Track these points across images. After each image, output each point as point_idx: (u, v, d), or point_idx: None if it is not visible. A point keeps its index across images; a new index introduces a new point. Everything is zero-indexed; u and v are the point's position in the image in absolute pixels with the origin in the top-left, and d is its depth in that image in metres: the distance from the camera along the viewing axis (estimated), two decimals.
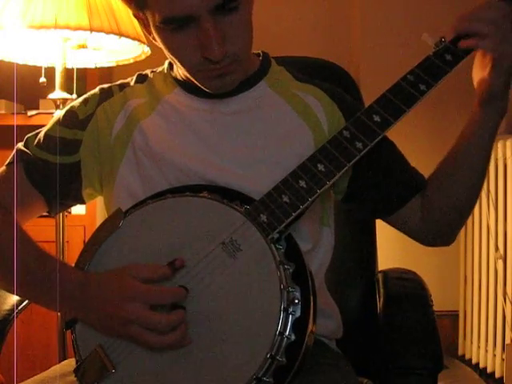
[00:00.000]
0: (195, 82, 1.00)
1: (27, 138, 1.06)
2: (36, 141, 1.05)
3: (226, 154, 1.00)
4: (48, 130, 1.06)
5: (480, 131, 0.97)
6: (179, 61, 0.97)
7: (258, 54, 1.10)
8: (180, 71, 1.05)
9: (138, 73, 1.11)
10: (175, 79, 1.06)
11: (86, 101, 1.07)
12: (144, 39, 1.76)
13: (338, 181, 1.02)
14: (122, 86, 1.08)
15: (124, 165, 1.02)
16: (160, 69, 1.11)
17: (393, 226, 1.09)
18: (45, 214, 1.08)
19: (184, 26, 0.91)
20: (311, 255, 1.01)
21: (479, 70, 0.95)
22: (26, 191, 1.02)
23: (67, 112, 1.07)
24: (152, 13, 0.92)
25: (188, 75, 1.00)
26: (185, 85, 1.04)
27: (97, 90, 1.08)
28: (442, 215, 1.04)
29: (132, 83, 1.09)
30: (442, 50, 0.95)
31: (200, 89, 1.01)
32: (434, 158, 1.07)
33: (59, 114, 1.08)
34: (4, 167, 1.05)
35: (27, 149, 1.04)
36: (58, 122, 1.06)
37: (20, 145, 1.06)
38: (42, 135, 1.05)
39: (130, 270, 0.85)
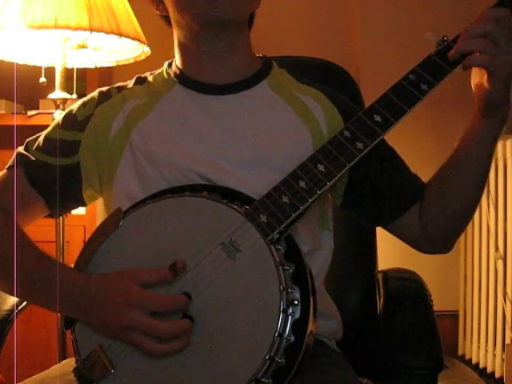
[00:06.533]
0: (188, 17, 0.99)
1: (27, 142, 1.07)
2: (36, 144, 1.05)
3: (223, 153, 1.00)
4: (47, 133, 1.07)
5: (480, 139, 0.94)
6: None
7: (260, 57, 1.11)
8: (178, 63, 1.06)
9: (136, 75, 1.12)
10: (174, 75, 1.07)
11: (84, 103, 1.08)
12: (144, 39, 1.76)
13: (336, 185, 1.02)
14: (121, 88, 1.09)
15: (122, 165, 1.02)
16: (159, 71, 1.11)
17: (392, 234, 1.08)
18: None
19: None
20: (309, 258, 1.00)
21: (477, 78, 0.92)
22: (26, 194, 1.03)
23: (66, 115, 1.08)
24: None
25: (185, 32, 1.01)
26: (184, 79, 1.05)
27: (95, 92, 1.09)
28: (442, 221, 1.02)
29: (131, 85, 1.10)
30: (444, 49, 0.93)
31: (199, 82, 1.02)
32: (437, 158, 1.06)
33: (59, 117, 1.10)
34: (4, 171, 1.05)
35: (27, 152, 1.05)
36: (58, 125, 1.06)
37: (20, 148, 1.07)
38: (41, 139, 1.06)
39: (130, 273, 0.85)
